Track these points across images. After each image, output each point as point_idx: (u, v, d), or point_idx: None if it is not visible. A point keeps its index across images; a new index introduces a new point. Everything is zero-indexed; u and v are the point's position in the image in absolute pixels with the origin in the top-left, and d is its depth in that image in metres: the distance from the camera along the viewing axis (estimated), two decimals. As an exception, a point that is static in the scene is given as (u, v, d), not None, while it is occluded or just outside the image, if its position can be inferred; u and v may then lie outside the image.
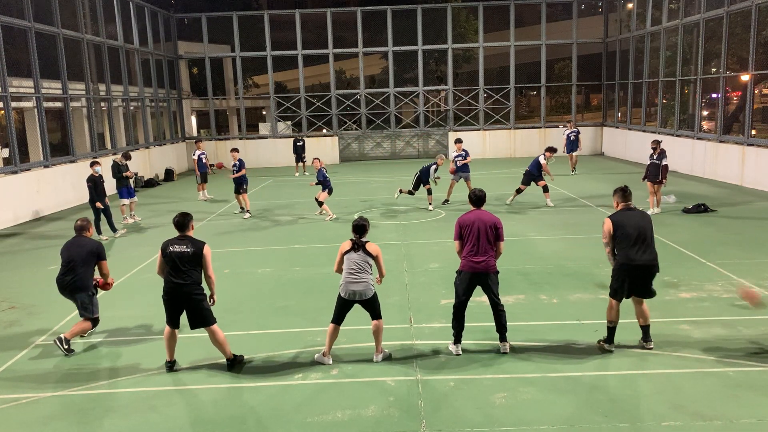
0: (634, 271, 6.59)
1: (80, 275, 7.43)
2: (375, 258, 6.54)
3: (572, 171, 22.13)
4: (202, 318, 6.52)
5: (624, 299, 6.74)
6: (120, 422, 5.62)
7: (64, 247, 7.67)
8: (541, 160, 15.77)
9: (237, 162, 15.72)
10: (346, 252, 6.52)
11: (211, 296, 6.65)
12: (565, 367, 6.40)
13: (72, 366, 6.89)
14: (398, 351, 6.93)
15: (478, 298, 7.03)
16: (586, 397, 5.75)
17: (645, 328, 6.82)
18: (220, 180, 21.95)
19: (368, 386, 6.14)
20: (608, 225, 6.73)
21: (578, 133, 22.47)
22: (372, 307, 6.62)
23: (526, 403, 5.70)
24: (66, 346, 7.24)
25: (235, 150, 16.36)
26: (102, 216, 13.38)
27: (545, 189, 15.81)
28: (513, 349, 6.81)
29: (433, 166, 15.41)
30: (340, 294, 6.60)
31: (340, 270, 6.60)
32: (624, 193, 6.90)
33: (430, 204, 15.74)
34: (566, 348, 6.88)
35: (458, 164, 16.09)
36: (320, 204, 15.17)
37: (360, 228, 6.59)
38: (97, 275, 7.71)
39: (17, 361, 7.09)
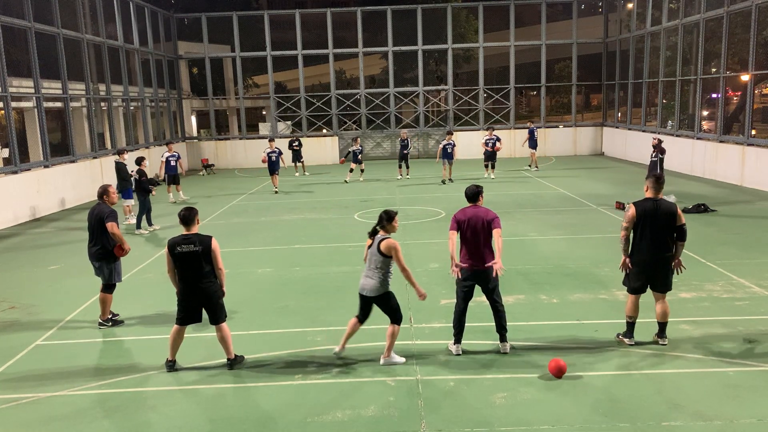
0: (644, 263, 6.67)
1: (98, 243, 7.84)
2: (389, 256, 6.34)
3: (529, 166, 23.09)
4: (217, 314, 6.54)
5: (644, 293, 6.82)
6: (120, 422, 5.62)
7: (88, 214, 8.12)
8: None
9: (277, 149, 19.87)
10: (369, 246, 6.45)
11: (220, 287, 6.64)
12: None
13: (72, 366, 6.89)
14: (398, 351, 6.93)
15: (479, 298, 7.03)
16: (586, 397, 5.75)
17: (661, 325, 6.89)
18: (217, 179, 21.87)
19: (368, 386, 6.13)
20: (632, 211, 6.73)
21: (533, 131, 23.16)
22: (383, 307, 6.50)
23: (526, 403, 5.69)
24: (110, 324, 7.95)
25: (272, 140, 20.56)
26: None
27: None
28: (513, 349, 6.81)
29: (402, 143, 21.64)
30: None
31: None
32: (657, 181, 6.83)
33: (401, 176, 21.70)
34: (566, 348, 6.87)
35: (448, 150, 20.09)
36: (352, 171, 21.39)
37: (379, 218, 6.47)
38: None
39: (17, 361, 7.09)
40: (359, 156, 21.35)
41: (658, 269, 6.70)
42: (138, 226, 14.13)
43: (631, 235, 6.81)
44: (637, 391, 5.86)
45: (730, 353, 6.60)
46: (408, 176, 21.76)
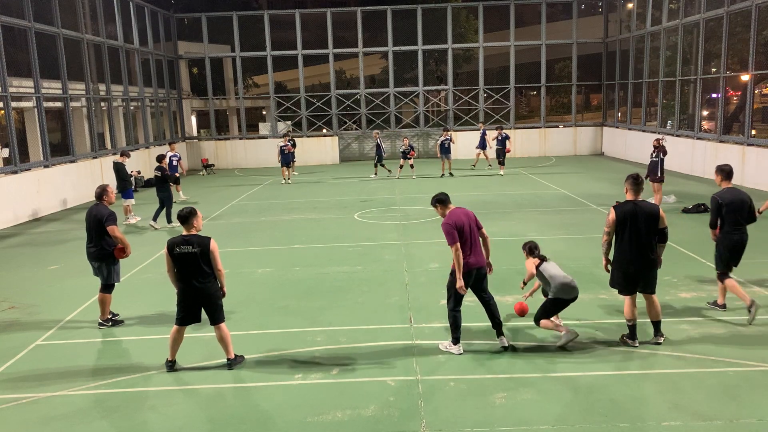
0: (627, 265, 6.65)
1: (97, 244, 7.84)
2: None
3: (473, 166, 24.06)
4: (216, 315, 6.55)
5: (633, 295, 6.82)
6: (120, 422, 5.62)
7: (86, 215, 8.12)
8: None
9: (289, 142, 22.33)
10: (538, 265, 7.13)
11: (221, 288, 6.66)
12: (565, 367, 6.40)
13: (71, 366, 6.89)
14: (398, 351, 6.93)
15: (477, 298, 7.03)
16: (586, 397, 5.75)
17: (655, 324, 6.87)
18: (217, 179, 21.87)
19: (368, 386, 6.13)
20: (612, 215, 6.65)
21: (483, 133, 23.79)
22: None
23: (526, 403, 5.70)
24: (110, 324, 7.99)
25: (285, 135, 23.40)
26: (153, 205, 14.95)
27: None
28: (513, 349, 6.81)
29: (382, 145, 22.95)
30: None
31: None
32: (635, 181, 6.65)
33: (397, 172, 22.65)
34: (566, 348, 6.87)
35: (445, 146, 21.91)
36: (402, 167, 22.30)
37: (535, 249, 7.43)
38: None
39: (17, 361, 7.09)
40: (408, 154, 22.19)
41: (642, 271, 6.65)
42: (169, 220, 14.64)
43: (613, 237, 6.76)
44: (637, 391, 5.86)
45: (730, 353, 6.60)
46: (397, 176, 22.39)
